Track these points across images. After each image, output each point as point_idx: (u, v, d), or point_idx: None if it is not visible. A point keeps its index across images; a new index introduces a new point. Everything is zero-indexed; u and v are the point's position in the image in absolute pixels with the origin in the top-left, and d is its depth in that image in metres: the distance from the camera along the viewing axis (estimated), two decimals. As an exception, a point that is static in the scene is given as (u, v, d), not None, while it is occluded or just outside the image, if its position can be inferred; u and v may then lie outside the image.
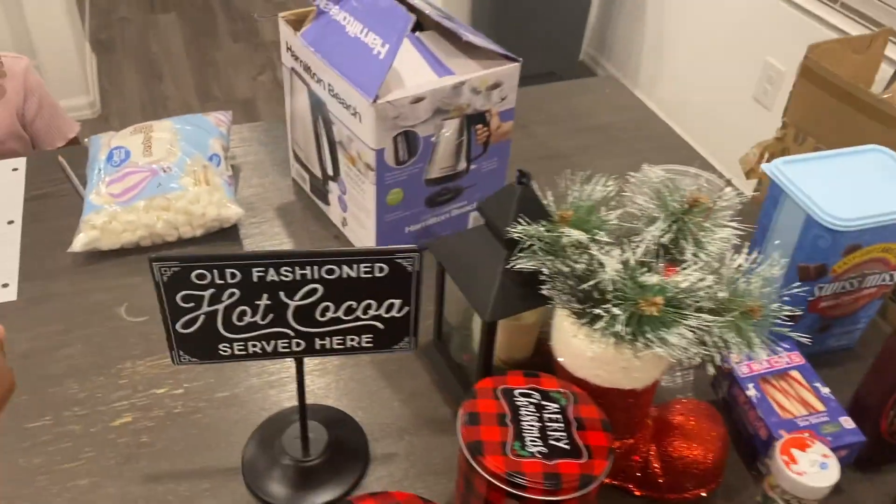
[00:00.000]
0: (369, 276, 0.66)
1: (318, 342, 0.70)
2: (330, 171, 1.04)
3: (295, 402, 0.83)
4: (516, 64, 0.96)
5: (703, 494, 0.77)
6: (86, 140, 1.14)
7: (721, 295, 0.65)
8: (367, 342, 0.71)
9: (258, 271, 0.64)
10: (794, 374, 0.83)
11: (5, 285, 0.96)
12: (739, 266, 0.66)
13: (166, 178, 1.01)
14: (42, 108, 1.27)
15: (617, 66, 3.18)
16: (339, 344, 0.70)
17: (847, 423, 0.78)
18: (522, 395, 0.68)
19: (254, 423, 0.82)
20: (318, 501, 0.76)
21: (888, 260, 0.85)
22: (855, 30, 1.95)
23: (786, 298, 0.67)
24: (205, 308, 0.65)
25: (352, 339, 0.70)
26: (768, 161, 1.15)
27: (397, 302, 0.68)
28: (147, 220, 0.99)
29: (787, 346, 0.85)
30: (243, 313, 0.66)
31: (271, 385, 0.87)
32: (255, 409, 0.84)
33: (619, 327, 0.63)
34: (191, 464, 0.79)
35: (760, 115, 2.38)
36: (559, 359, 0.72)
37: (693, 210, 0.69)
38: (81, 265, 0.99)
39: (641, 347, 0.64)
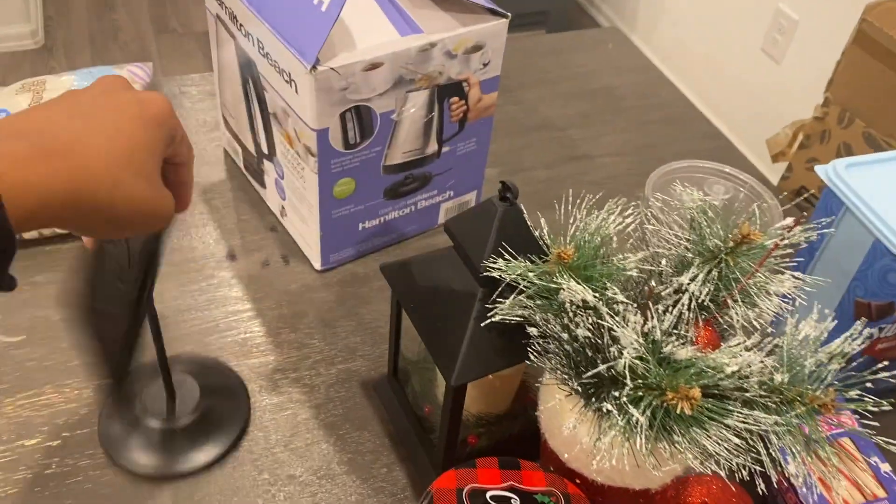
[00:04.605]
0: None
1: None
2: (265, 149, 0.83)
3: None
4: (504, 20, 0.75)
5: None
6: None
7: (777, 378, 0.46)
8: None
9: None
10: (845, 442, 0.65)
11: None
12: (806, 337, 0.47)
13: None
14: None
15: (614, 8, 2.93)
16: None
17: (916, 517, 0.61)
18: (496, 500, 0.50)
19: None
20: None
21: (969, 296, 0.67)
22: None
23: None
24: None
25: None
26: (802, 144, 0.95)
27: None
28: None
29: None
30: None
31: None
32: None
33: (638, 433, 0.44)
34: None
35: (769, 69, 2.16)
36: (549, 442, 0.53)
37: (741, 250, 0.50)
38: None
39: (666, 451, 0.46)
